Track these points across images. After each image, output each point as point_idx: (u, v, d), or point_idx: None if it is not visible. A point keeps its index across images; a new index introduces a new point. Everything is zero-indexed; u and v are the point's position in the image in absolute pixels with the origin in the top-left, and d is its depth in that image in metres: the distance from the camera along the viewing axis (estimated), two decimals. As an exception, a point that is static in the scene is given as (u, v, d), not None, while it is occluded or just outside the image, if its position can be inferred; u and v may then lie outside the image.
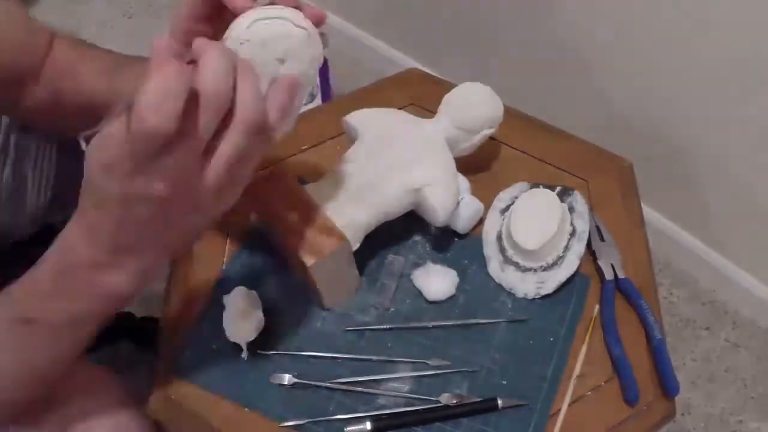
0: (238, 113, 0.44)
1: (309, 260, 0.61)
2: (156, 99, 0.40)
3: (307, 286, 0.66)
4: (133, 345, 1.21)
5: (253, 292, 0.66)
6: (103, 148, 0.43)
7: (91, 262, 0.48)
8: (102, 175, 0.44)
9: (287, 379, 0.64)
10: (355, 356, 0.66)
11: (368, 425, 0.61)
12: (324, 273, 0.63)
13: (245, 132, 0.44)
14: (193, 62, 0.44)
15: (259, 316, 0.64)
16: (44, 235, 0.77)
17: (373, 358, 0.65)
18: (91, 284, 0.49)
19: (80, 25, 1.68)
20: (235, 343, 0.65)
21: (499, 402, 0.62)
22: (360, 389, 0.64)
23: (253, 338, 0.64)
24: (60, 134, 0.73)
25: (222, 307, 0.65)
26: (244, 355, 0.64)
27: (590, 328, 0.66)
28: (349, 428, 0.61)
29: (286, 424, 0.62)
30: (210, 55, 0.43)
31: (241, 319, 0.64)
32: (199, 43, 0.45)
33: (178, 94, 0.41)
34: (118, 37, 1.62)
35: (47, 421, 0.57)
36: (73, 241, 0.48)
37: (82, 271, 0.48)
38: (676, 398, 0.64)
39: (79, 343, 0.53)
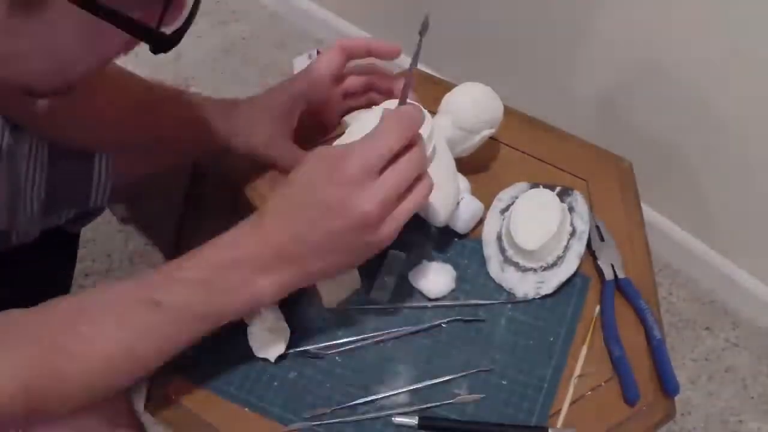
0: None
1: (309, 260, 0.61)
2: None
3: (307, 286, 0.66)
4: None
5: (275, 305, 0.66)
6: (352, 158, 0.50)
7: (255, 262, 0.52)
8: (325, 186, 0.50)
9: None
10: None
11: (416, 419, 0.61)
12: (324, 273, 0.63)
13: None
14: None
15: (285, 328, 0.65)
16: (41, 240, 0.77)
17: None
18: (243, 282, 0.53)
19: (80, 25, 1.68)
20: (235, 343, 0.65)
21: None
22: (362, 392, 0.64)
23: (283, 351, 0.64)
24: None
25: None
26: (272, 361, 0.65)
27: (590, 328, 0.66)
28: (398, 419, 0.61)
29: (294, 426, 0.62)
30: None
31: (270, 334, 0.64)
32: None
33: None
34: (118, 37, 1.61)
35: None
36: (244, 240, 0.53)
37: (242, 268, 0.53)
38: (676, 398, 0.64)
39: (196, 337, 0.55)
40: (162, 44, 0.43)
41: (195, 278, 0.53)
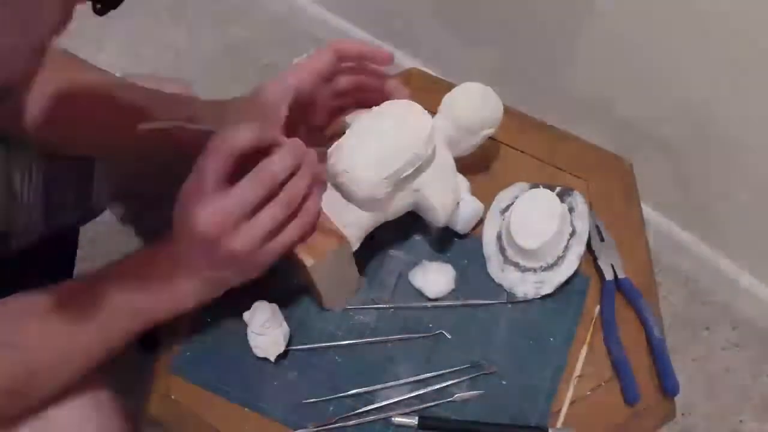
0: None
1: (309, 261, 0.61)
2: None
3: (307, 286, 0.67)
4: (133, 345, 1.21)
5: (274, 304, 0.66)
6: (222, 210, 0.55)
7: (174, 259, 0.59)
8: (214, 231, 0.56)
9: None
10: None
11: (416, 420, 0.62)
12: (324, 273, 0.63)
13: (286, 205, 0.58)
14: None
15: (284, 327, 0.65)
16: (41, 245, 0.77)
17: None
18: (167, 278, 0.59)
19: (80, 26, 1.69)
20: (235, 343, 0.65)
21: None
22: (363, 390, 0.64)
23: (282, 350, 0.64)
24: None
25: (221, 307, 0.65)
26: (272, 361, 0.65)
27: (590, 329, 0.66)
28: (398, 419, 0.62)
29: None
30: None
31: (270, 334, 0.64)
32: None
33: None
34: (118, 37, 1.62)
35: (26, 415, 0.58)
36: (158, 249, 0.60)
37: (162, 265, 0.59)
38: (676, 398, 0.64)
39: (127, 337, 0.61)
40: (109, 1, 0.44)
41: (121, 272, 0.60)
